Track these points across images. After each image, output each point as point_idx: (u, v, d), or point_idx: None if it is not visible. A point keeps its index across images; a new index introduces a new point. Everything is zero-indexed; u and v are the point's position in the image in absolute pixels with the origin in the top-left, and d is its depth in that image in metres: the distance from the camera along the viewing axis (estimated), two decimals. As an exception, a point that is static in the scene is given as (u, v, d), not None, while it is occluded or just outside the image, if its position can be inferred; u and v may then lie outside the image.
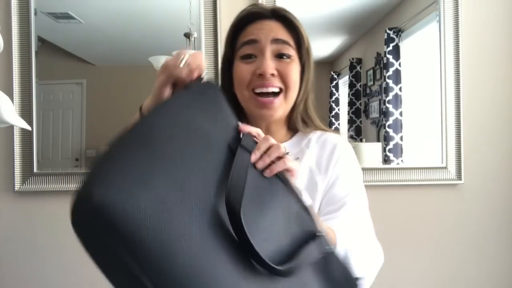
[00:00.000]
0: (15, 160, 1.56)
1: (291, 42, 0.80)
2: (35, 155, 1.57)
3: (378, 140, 1.70)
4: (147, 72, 1.54)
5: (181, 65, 0.59)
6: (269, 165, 0.59)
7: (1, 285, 1.59)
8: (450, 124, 1.60)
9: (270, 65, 0.77)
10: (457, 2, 1.59)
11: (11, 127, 1.53)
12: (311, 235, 0.59)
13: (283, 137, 0.88)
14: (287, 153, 0.60)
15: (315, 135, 0.87)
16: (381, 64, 1.70)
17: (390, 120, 1.66)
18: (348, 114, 1.77)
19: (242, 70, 0.79)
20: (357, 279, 0.69)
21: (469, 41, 1.61)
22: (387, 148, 1.66)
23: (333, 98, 1.79)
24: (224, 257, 0.47)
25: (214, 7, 1.55)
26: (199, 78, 0.62)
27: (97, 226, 0.40)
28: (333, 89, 1.79)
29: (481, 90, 1.62)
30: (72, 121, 1.63)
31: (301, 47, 0.82)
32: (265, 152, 0.59)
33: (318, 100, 0.92)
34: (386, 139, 1.66)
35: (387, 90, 1.67)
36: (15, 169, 1.56)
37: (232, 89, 0.83)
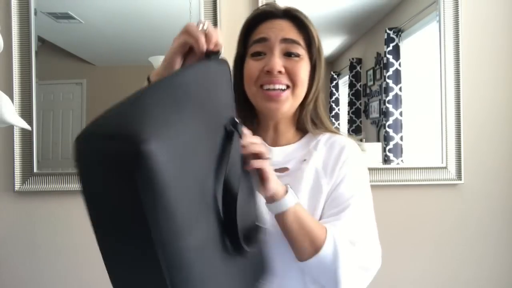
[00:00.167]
0: (15, 160, 1.56)
1: (301, 41, 0.81)
2: (35, 155, 1.57)
3: (378, 140, 1.70)
4: (147, 72, 1.53)
5: (203, 29, 0.61)
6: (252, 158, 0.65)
7: (0, 285, 1.59)
8: (450, 124, 1.60)
9: (277, 63, 0.78)
10: (457, 2, 1.59)
11: (11, 127, 1.53)
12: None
13: (291, 138, 0.87)
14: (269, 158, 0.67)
15: (324, 137, 0.86)
16: (381, 64, 1.70)
17: (390, 120, 1.66)
18: (348, 114, 1.77)
19: (251, 66, 0.81)
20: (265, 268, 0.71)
21: (469, 41, 1.61)
22: (387, 148, 1.66)
23: (333, 98, 1.79)
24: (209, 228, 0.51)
25: (214, 7, 1.55)
26: (218, 52, 0.63)
27: (131, 170, 0.39)
28: (333, 89, 1.79)
29: (481, 90, 1.62)
30: (72, 121, 1.63)
31: (312, 46, 0.83)
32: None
33: (318, 100, 0.91)
34: (386, 139, 1.66)
35: (387, 90, 1.67)
36: (15, 169, 1.56)
37: (242, 87, 0.84)
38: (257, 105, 0.83)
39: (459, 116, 1.59)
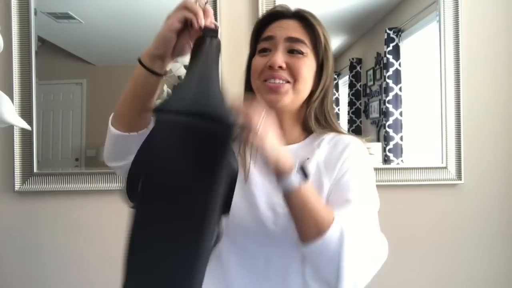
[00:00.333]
0: (15, 160, 1.56)
1: (307, 40, 0.84)
2: (35, 155, 1.57)
3: (378, 140, 1.70)
4: (147, 72, 1.54)
5: (201, 3, 0.64)
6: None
7: (1, 285, 1.59)
8: (450, 124, 1.60)
9: (279, 58, 0.81)
10: (457, 2, 1.59)
11: (11, 127, 1.53)
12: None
13: (297, 137, 0.87)
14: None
15: (328, 136, 0.86)
16: (381, 64, 1.70)
17: (390, 120, 1.66)
18: (348, 114, 1.77)
19: (257, 62, 0.84)
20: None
21: (469, 41, 1.61)
22: (387, 148, 1.66)
23: (333, 98, 1.79)
24: None
25: (214, 7, 1.55)
26: (216, 29, 0.66)
27: (220, 145, 0.51)
28: (333, 89, 1.79)
29: (481, 90, 1.62)
30: (72, 121, 1.63)
31: (318, 46, 0.84)
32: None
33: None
34: (386, 139, 1.66)
35: (387, 90, 1.67)
36: (15, 169, 1.56)
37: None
38: (261, 99, 0.84)
39: (459, 116, 1.59)
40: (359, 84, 1.76)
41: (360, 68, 1.76)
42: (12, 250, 1.59)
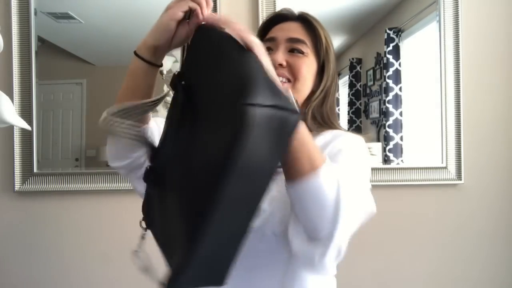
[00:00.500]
0: (15, 160, 1.56)
1: (308, 41, 0.85)
2: (35, 155, 1.57)
3: (378, 140, 1.70)
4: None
5: None
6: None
7: (1, 285, 1.59)
8: (450, 124, 1.60)
9: (279, 56, 0.82)
10: (457, 2, 1.59)
11: (11, 127, 1.53)
12: None
13: None
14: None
15: (326, 133, 0.86)
16: (381, 64, 1.70)
17: (390, 120, 1.66)
18: (348, 114, 1.77)
19: None
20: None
21: (469, 41, 1.61)
22: (387, 148, 1.66)
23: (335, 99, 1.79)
24: None
25: (214, 7, 1.55)
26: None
27: (291, 132, 0.53)
28: (336, 91, 1.79)
29: (481, 90, 1.62)
30: (72, 121, 1.63)
31: (319, 47, 0.86)
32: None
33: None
34: (386, 139, 1.66)
35: (387, 90, 1.67)
36: (15, 169, 1.56)
37: None
38: None
39: (459, 116, 1.59)
40: (359, 84, 1.76)
41: (360, 68, 1.76)
42: (12, 250, 1.59)
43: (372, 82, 1.74)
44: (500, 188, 1.63)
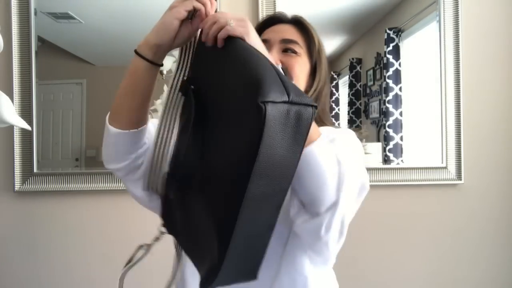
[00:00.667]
0: (15, 160, 1.56)
1: (300, 42, 0.87)
2: (35, 155, 1.57)
3: (378, 140, 1.70)
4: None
5: None
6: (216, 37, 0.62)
7: (1, 285, 1.59)
8: (450, 124, 1.60)
9: (274, 56, 0.83)
10: (457, 2, 1.59)
11: (11, 127, 1.53)
12: None
13: None
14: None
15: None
16: (381, 64, 1.70)
17: (390, 120, 1.66)
18: (348, 114, 1.77)
19: None
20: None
21: (469, 41, 1.61)
22: (387, 148, 1.66)
23: (333, 98, 1.79)
24: None
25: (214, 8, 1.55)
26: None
27: (307, 125, 0.53)
28: (333, 89, 1.79)
29: (481, 90, 1.62)
30: (72, 121, 1.63)
31: (311, 48, 0.87)
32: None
33: (318, 100, 0.91)
34: (386, 139, 1.66)
35: (387, 90, 1.67)
36: (15, 169, 1.56)
37: None
38: None
39: (459, 116, 1.59)
40: (359, 84, 1.76)
41: (360, 68, 1.76)
42: (12, 250, 1.59)
43: (372, 82, 1.74)
44: (500, 188, 1.63)
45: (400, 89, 1.67)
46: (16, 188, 1.57)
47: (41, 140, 1.59)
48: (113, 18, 1.63)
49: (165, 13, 0.67)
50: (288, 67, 0.83)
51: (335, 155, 0.64)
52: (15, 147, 1.56)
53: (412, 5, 1.66)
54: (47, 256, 1.59)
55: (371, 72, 1.74)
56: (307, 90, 0.87)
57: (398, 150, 1.66)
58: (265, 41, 0.85)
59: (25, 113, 1.56)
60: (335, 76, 1.79)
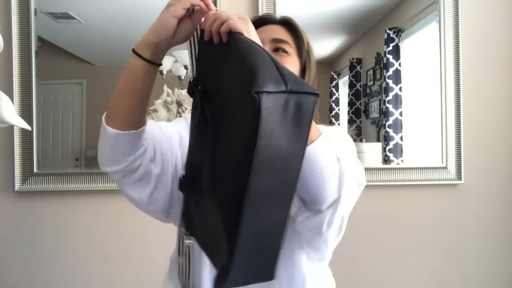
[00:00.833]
0: (15, 160, 1.56)
1: (291, 42, 0.87)
2: (35, 155, 1.57)
3: (378, 140, 1.70)
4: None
5: None
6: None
7: (1, 285, 1.59)
8: (450, 124, 1.60)
9: None
10: (457, 2, 1.59)
11: (11, 127, 1.53)
12: None
13: None
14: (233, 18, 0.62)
15: None
16: (381, 64, 1.70)
17: (390, 120, 1.66)
18: (348, 114, 1.77)
19: None
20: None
21: (469, 41, 1.61)
22: (387, 148, 1.66)
23: (333, 98, 1.79)
24: None
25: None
26: None
27: (309, 114, 0.52)
28: (333, 89, 1.79)
29: (481, 90, 1.62)
30: (72, 121, 1.63)
31: (301, 48, 0.87)
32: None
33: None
34: (386, 139, 1.66)
35: (387, 90, 1.67)
36: (15, 169, 1.56)
37: None
38: None
39: (459, 116, 1.59)
40: (359, 84, 1.76)
41: (360, 68, 1.76)
42: (12, 250, 1.59)
43: (372, 82, 1.74)
44: (500, 188, 1.63)
45: (400, 89, 1.67)
46: (16, 188, 1.57)
47: (41, 140, 1.59)
48: (113, 18, 1.63)
49: (163, 11, 0.66)
50: None
51: (334, 153, 0.65)
52: (15, 147, 1.56)
53: (412, 5, 1.66)
54: (47, 256, 1.59)
55: (371, 72, 1.74)
56: None
57: (398, 150, 1.66)
58: None
59: (25, 113, 1.56)
60: (335, 76, 1.79)
